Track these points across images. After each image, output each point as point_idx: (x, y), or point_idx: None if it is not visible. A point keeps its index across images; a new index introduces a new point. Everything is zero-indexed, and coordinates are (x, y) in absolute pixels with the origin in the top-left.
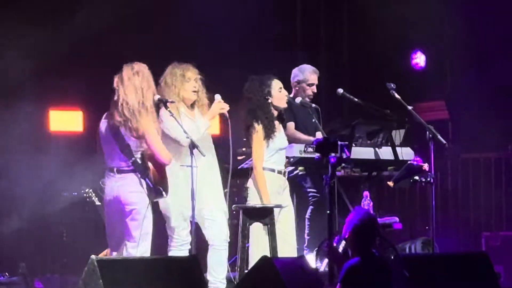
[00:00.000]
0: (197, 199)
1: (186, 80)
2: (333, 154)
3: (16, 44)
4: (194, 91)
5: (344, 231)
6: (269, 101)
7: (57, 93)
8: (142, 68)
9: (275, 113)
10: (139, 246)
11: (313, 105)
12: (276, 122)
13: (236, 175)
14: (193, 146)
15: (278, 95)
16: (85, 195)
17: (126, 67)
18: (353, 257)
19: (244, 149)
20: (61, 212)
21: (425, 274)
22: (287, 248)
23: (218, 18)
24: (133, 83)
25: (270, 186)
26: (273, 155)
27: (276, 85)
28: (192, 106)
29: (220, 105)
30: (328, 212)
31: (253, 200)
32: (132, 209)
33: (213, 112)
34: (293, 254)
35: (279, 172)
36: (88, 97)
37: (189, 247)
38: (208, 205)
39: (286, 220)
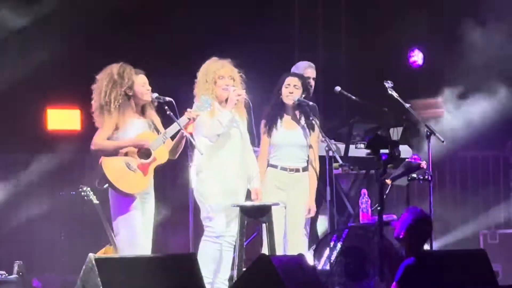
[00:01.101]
0: (233, 192)
1: (219, 77)
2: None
3: (14, 43)
4: (225, 89)
5: (397, 231)
6: (280, 97)
7: (55, 91)
8: (112, 69)
9: (286, 110)
10: (118, 243)
11: (310, 103)
12: (289, 118)
13: None
14: (190, 144)
15: (283, 91)
16: (82, 193)
17: (104, 69)
18: (408, 256)
19: None
20: (59, 211)
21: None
22: (291, 245)
23: None
24: (100, 85)
25: (270, 181)
26: (276, 151)
27: (286, 81)
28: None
29: (236, 91)
30: (378, 208)
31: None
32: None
33: (231, 101)
34: (299, 251)
35: (283, 169)
36: (86, 95)
37: (221, 242)
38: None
39: (294, 216)
